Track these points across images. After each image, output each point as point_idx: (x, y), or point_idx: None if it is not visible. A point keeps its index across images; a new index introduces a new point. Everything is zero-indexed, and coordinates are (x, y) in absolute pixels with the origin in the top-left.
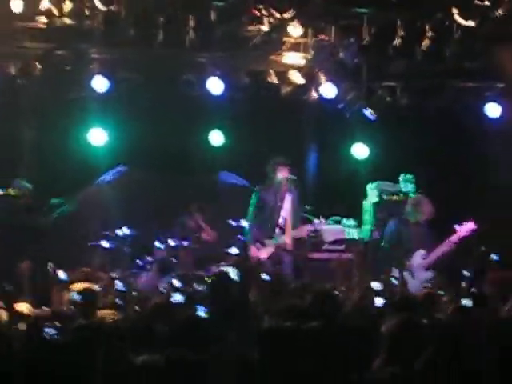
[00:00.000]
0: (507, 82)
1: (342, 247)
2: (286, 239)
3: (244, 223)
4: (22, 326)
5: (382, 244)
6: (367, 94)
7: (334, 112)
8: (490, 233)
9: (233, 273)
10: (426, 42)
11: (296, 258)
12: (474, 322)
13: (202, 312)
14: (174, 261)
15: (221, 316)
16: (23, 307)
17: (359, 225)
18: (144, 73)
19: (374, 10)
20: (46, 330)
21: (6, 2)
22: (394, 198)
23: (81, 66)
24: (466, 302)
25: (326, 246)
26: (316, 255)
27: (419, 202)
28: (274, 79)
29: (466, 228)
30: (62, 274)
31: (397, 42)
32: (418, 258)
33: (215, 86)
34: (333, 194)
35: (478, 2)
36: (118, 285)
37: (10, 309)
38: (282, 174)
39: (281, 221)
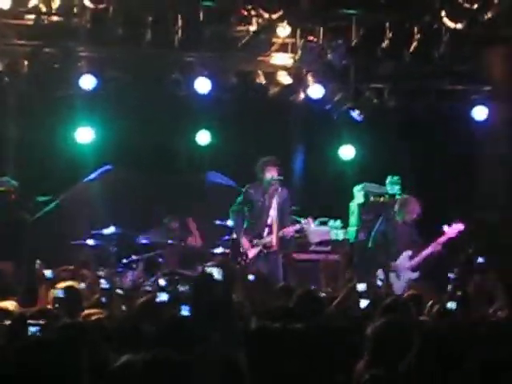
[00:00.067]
0: (494, 85)
1: (328, 248)
2: (273, 239)
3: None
4: (7, 323)
5: (369, 244)
6: (355, 95)
7: (321, 113)
8: (476, 234)
9: (217, 273)
10: (414, 45)
11: (281, 259)
12: (459, 324)
13: (186, 311)
14: (160, 260)
15: (204, 316)
16: (9, 304)
17: (345, 226)
18: (132, 72)
19: (363, 11)
20: (30, 327)
21: None
22: (381, 199)
23: (68, 64)
24: (451, 305)
25: (312, 247)
26: (302, 256)
27: (406, 202)
28: (261, 80)
29: (454, 229)
30: (48, 272)
31: (385, 43)
32: (405, 258)
33: (203, 85)
34: (319, 195)
35: (467, 5)
36: (104, 283)
37: None
38: (271, 174)
39: (269, 221)
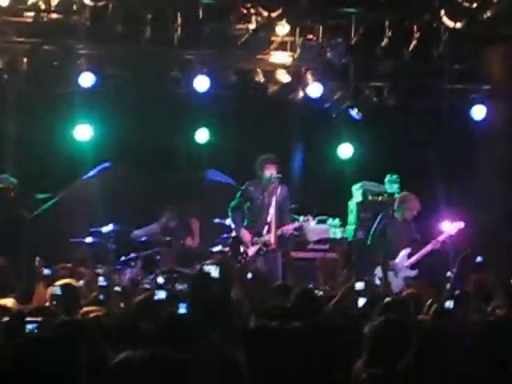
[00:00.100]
0: (493, 84)
1: (327, 247)
2: (271, 237)
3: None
4: (5, 320)
5: (368, 242)
6: (354, 93)
7: (320, 111)
8: (475, 233)
9: (215, 271)
10: (413, 43)
11: (280, 257)
12: (457, 323)
13: (183, 309)
14: (158, 257)
15: (203, 314)
16: (7, 301)
17: (344, 225)
18: (131, 69)
19: (362, 10)
20: (28, 325)
21: None
22: (379, 198)
23: (68, 62)
24: (449, 304)
25: (310, 246)
26: (300, 254)
27: (406, 199)
28: (261, 78)
29: (454, 227)
30: (46, 270)
31: (384, 42)
32: (403, 256)
33: (202, 83)
34: (318, 193)
35: (466, 4)
36: (101, 281)
37: None
38: (270, 172)
39: (269, 219)
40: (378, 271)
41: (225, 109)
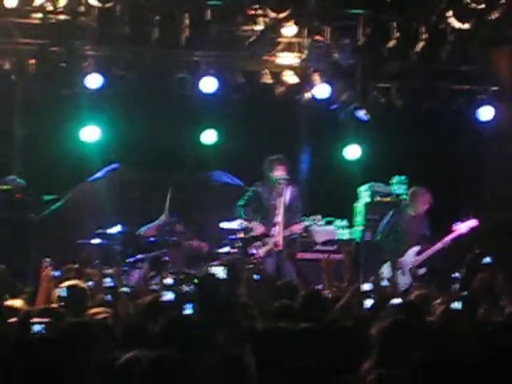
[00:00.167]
0: (501, 85)
1: (334, 248)
2: (279, 238)
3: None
4: (13, 321)
5: (377, 237)
6: (361, 94)
7: (327, 112)
8: (483, 234)
9: (222, 272)
10: (420, 45)
11: (286, 258)
12: (464, 324)
13: (190, 310)
14: (166, 258)
15: (209, 316)
16: (16, 302)
17: (351, 226)
18: (138, 71)
19: (369, 11)
20: (35, 326)
21: None
22: (387, 199)
23: (75, 63)
24: (456, 305)
25: (317, 247)
26: (307, 255)
27: (417, 193)
28: (268, 79)
29: (466, 225)
30: (55, 271)
31: (391, 43)
32: (412, 254)
33: (209, 85)
34: (325, 194)
35: (473, 5)
36: (108, 281)
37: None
38: (278, 173)
39: (277, 219)
40: (386, 270)
41: (232, 110)
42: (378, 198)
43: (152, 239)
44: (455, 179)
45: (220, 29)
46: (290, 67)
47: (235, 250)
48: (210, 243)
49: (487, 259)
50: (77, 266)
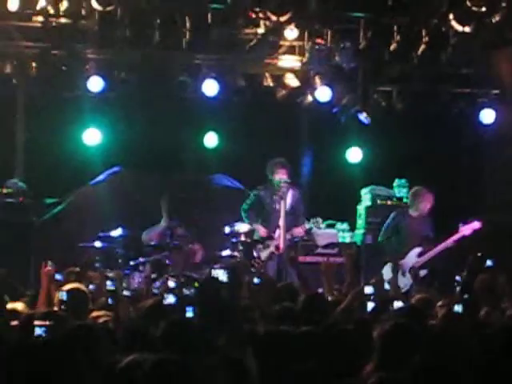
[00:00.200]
0: (502, 88)
1: (335, 251)
2: (281, 241)
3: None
4: (15, 324)
5: (379, 239)
6: (363, 98)
7: (328, 116)
8: (485, 237)
9: (223, 275)
10: (422, 48)
11: (287, 262)
12: (465, 327)
13: (190, 313)
14: (168, 262)
15: (210, 319)
16: (18, 306)
17: (353, 229)
18: (140, 73)
19: (371, 14)
20: (37, 329)
21: (3, 1)
22: (388, 202)
23: (76, 66)
24: (458, 308)
25: (318, 250)
26: (309, 259)
27: (417, 193)
28: (269, 82)
29: (469, 227)
30: (57, 275)
31: (393, 46)
32: (413, 255)
33: (211, 88)
34: (327, 197)
35: (475, 8)
36: (109, 284)
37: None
38: (280, 176)
39: (279, 222)
40: (387, 272)
41: (233, 113)
42: (379, 201)
43: (153, 243)
44: (456, 182)
45: (221, 32)
46: (292, 70)
47: (237, 253)
48: (207, 248)
49: (489, 262)
50: (78, 269)
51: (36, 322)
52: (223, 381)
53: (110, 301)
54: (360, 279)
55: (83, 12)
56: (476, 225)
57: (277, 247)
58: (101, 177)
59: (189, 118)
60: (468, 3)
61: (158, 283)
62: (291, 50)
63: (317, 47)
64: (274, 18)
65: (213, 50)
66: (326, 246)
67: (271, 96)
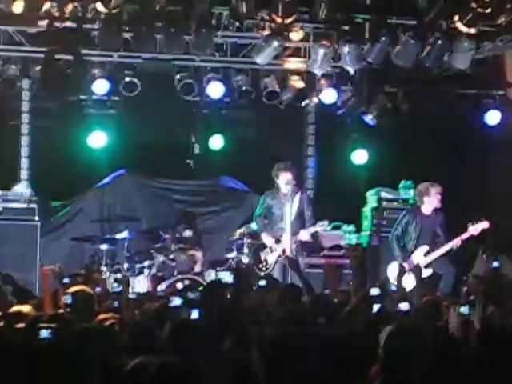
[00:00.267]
0: (507, 89)
1: (341, 253)
2: (287, 245)
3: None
4: (21, 326)
5: (389, 238)
6: (368, 99)
7: (334, 117)
8: (492, 238)
9: (229, 277)
10: (427, 49)
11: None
12: (471, 329)
13: (195, 314)
14: (173, 264)
15: (215, 322)
16: (24, 308)
17: (359, 231)
18: (144, 76)
19: (376, 16)
20: (43, 331)
21: (8, 4)
22: (394, 204)
23: (81, 69)
24: (464, 309)
25: (324, 252)
26: (315, 260)
27: (421, 189)
28: (274, 84)
29: (478, 227)
30: (64, 278)
31: (398, 48)
32: (420, 254)
33: (215, 90)
34: (333, 199)
35: (480, 10)
36: (115, 287)
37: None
38: (286, 179)
39: (286, 225)
40: (392, 271)
41: (239, 115)
42: (385, 203)
43: (158, 245)
44: (462, 183)
45: (226, 34)
46: (297, 72)
47: (243, 256)
48: (212, 250)
49: (495, 263)
50: (84, 271)
51: (42, 325)
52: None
53: (115, 303)
54: (366, 281)
55: (88, 15)
56: (485, 224)
57: (283, 251)
58: (106, 179)
59: (194, 121)
60: (473, 5)
61: (163, 285)
62: (296, 52)
63: (322, 49)
64: (279, 20)
65: (218, 53)
66: (331, 248)
67: (277, 98)
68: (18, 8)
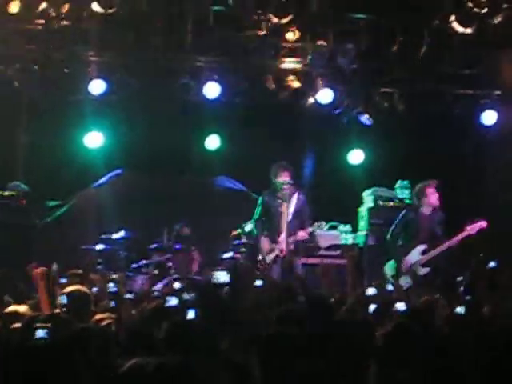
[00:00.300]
0: (504, 89)
1: (338, 253)
2: (284, 245)
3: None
4: (17, 326)
5: (387, 237)
6: (364, 99)
7: (330, 117)
8: (488, 239)
9: (225, 277)
10: (423, 49)
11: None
12: (468, 328)
13: (191, 314)
14: (170, 264)
15: (212, 322)
16: (20, 308)
17: (355, 231)
18: (141, 76)
19: (372, 15)
20: (39, 331)
21: (4, 4)
22: (390, 204)
23: (78, 69)
24: (460, 310)
25: (321, 252)
26: (311, 261)
27: (420, 190)
28: (271, 84)
29: (475, 226)
30: (61, 278)
31: (395, 48)
32: (417, 253)
33: (213, 90)
34: (329, 199)
35: (476, 10)
36: (111, 287)
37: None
38: (283, 179)
39: (283, 226)
40: (389, 271)
41: (235, 115)
42: (382, 203)
43: (155, 245)
44: (458, 183)
45: (223, 34)
46: (293, 72)
47: (240, 256)
48: (209, 249)
49: (492, 263)
50: (80, 271)
51: (38, 325)
52: (226, 383)
53: (112, 303)
54: (362, 281)
55: (85, 14)
56: (482, 224)
57: (281, 250)
58: (103, 179)
59: (191, 121)
60: (470, 4)
61: (160, 285)
62: (293, 52)
63: (318, 49)
64: (275, 19)
65: (215, 52)
66: (328, 248)
67: (273, 98)
68: (14, 8)
